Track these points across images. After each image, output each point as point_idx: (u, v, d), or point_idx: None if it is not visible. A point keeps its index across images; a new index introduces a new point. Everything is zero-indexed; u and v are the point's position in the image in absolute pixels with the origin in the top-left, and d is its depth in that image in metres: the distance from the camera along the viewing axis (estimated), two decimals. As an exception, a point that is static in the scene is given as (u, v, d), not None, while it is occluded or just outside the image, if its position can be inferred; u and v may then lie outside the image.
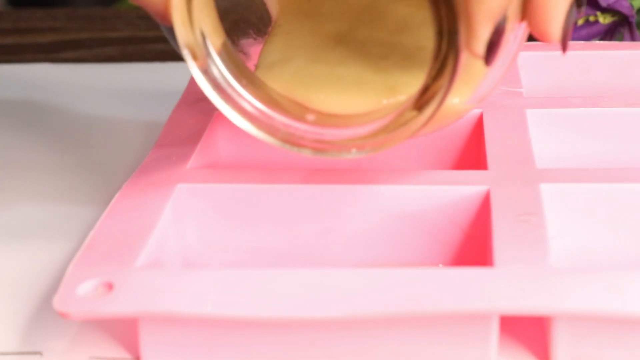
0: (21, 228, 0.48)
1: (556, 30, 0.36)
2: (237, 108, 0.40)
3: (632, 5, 0.62)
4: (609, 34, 0.63)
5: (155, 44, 0.73)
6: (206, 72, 0.39)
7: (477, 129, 0.48)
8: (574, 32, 0.62)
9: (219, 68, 0.39)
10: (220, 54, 0.39)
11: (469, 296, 0.35)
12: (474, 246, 0.43)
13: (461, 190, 0.42)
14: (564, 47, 0.37)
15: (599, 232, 0.42)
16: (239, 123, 0.40)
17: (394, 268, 0.37)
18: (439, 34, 0.35)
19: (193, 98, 0.52)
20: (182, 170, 0.44)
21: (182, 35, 0.38)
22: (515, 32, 0.38)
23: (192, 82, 0.54)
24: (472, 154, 0.48)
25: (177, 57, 0.69)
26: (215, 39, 0.39)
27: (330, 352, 0.37)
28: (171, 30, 0.38)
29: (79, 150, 0.57)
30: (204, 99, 0.51)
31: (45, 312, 0.41)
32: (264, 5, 0.43)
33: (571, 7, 0.36)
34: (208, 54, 0.39)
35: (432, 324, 0.36)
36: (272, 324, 0.37)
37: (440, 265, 0.43)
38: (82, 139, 0.58)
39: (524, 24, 0.38)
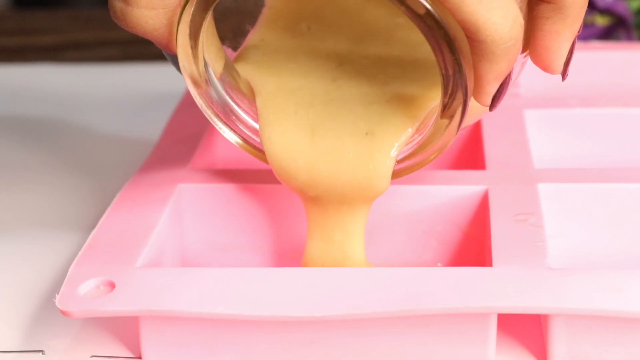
0: (23, 228, 0.49)
1: (559, 66, 0.37)
2: (239, 132, 0.40)
3: (629, 7, 0.62)
4: (606, 35, 0.63)
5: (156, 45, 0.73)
6: (207, 98, 0.39)
7: (476, 129, 0.48)
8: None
9: (220, 93, 0.40)
10: (221, 78, 0.39)
11: (467, 295, 0.35)
12: (472, 245, 0.43)
13: (460, 190, 0.43)
14: (564, 76, 0.38)
15: (596, 231, 0.42)
16: (240, 146, 0.41)
17: (393, 268, 0.37)
18: (446, 77, 0.35)
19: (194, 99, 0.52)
20: (182, 171, 0.45)
21: (186, 68, 0.38)
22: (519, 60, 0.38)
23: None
24: (470, 154, 0.48)
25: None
26: (216, 65, 0.39)
27: (330, 351, 0.37)
28: (172, 56, 0.38)
29: (81, 150, 0.57)
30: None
31: (47, 311, 0.41)
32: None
33: (573, 43, 0.37)
34: (209, 81, 0.39)
35: (431, 322, 0.36)
36: (272, 324, 0.37)
37: (439, 264, 0.43)
38: (83, 139, 0.58)
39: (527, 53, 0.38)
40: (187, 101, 0.52)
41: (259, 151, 0.41)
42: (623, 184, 0.42)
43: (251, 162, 0.48)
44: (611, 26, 0.63)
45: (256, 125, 0.40)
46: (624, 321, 0.36)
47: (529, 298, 0.35)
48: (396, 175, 0.39)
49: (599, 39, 0.63)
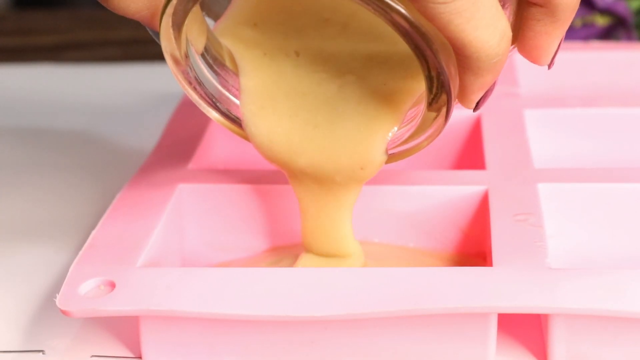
0: (23, 228, 0.49)
1: (547, 61, 0.37)
2: (217, 109, 0.40)
3: (629, 7, 0.63)
4: (606, 35, 0.63)
5: (157, 45, 0.73)
6: (187, 75, 0.39)
7: (476, 130, 0.48)
8: (572, 34, 0.62)
9: (200, 71, 0.39)
10: (202, 54, 0.39)
11: (467, 295, 0.35)
12: (472, 245, 0.43)
13: (460, 190, 0.43)
14: (550, 66, 0.38)
15: (596, 231, 0.42)
16: (220, 122, 0.40)
17: (393, 268, 0.37)
18: (429, 79, 0.35)
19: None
20: (182, 171, 0.45)
21: (167, 48, 0.38)
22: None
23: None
24: (470, 154, 0.48)
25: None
26: (198, 41, 0.39)
27: (330, 351, 0.37)
28: (155, 32, 0.38)
29: (81, 151, 0.57)
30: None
31: (47, 311, 0.42)
32: None
33: (561, 38, 0.37)
34: (190, 61, 0.39)
35: (431, 322, 0.36)
36: (272, 324, 0.37)
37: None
38: (83, 140, 0.58)
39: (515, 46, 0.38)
40: (187, 101, 0.52)
41: (239, 128, 0.40)
42: (623, 184, 0.42)
43: (251, 162, 0.48)
44: (611, 26, 0.63)
45: (237, 102, 0.40)
46: (624, 321, 0.36)
47: (529, 298, 0.35)
48: (390, 159, 0.39)
49: (599, 39, 0.63)
